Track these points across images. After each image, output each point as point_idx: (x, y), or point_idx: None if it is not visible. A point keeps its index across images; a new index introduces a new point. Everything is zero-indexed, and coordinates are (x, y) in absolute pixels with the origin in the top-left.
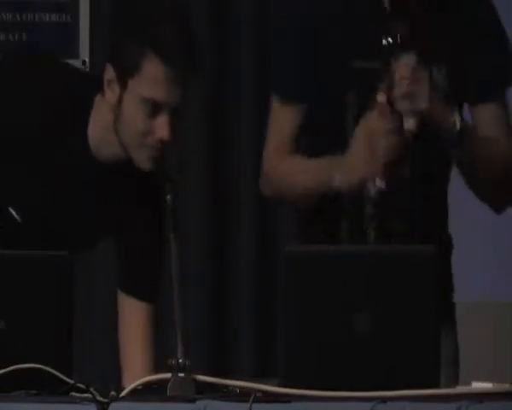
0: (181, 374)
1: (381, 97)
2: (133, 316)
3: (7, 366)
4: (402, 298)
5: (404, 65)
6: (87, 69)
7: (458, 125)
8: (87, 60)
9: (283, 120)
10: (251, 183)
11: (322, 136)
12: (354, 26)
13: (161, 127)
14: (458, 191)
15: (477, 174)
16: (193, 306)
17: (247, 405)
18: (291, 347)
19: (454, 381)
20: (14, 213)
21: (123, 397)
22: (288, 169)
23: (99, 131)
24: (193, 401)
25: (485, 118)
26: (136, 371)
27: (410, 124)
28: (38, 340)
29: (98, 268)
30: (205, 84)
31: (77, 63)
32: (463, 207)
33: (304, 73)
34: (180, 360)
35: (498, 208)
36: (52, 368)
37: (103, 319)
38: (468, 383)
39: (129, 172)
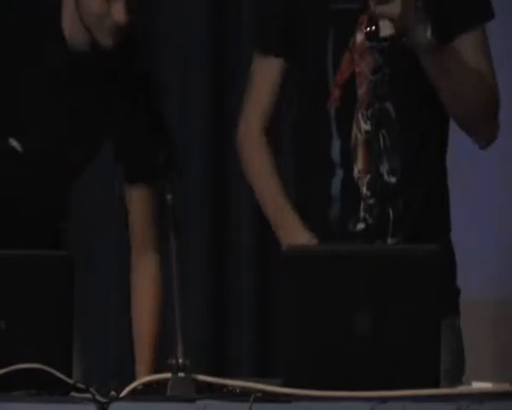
0: (181, 374)
1: (359, 37)
2: (139, 200)
3: (7, 366)
4: (402, 298)
5: None
6: None
7: (429, 33)
8: None
9: (263, 74)
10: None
11: (306, 86)
12: None
13: (117, 12)
14: (459, 191)
15: (453, 97)
16: (193, 306)
17: (247, 405)
18: (291, 347)
19: (459, 371)
20: (14, 142)
21: (123, 397)
22: (257, 176)
23: (69, 20)
24: (193, 401)
25: (466, 47)
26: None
27: (386, 29)
28: (38, 340)
29: (98, 268)
30: (205, 85)
31: None
32: (464, 205)
33: (283, 24)
34: (180, 360)
35: (480, 141)
36: (52, 368)
37: (103, 318)
38: (468, 383)
39: (108, 66)
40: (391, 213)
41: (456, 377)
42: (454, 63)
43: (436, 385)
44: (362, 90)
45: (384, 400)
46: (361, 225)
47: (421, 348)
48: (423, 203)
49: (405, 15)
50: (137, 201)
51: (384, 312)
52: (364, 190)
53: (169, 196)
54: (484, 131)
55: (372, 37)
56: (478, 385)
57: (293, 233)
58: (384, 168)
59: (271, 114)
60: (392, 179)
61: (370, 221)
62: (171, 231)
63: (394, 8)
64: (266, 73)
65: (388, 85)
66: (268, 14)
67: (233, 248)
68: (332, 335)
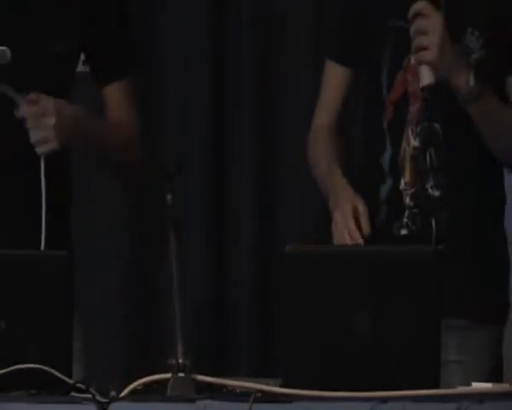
0: (181, 374)
1: (413, 59)
2: (115, 95)
3: (7, 366)
4: (402, 298)
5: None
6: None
7: (471, 83)
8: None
9: (333, 83)
10: (251, 183)
11: (364, 95)
12: None
13: None
14: None
15: (495, 141)
16: (193, 305)
17: (247, 405)
18: (291, 347)
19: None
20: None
21: (123, 397)
22: (316, 159)
23: None
24: (193, 401)
25: None
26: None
27: (426, 78)
28: (38, 340)
29: (98, 267)
30: (205, 84)
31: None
32: None
33: (352, 38)
34: (180, 360)
35: None
36: (52, 368)
37: (103, 318)
38: (468, 384)
39: None
40: (433, 224)
41: None
42: (495, 105)
43: (436, 385)
44: (413, 108)
45: (384, 400)
46: (404, 231)
47: (421, 348)
48: (469, 218)
49: (445, 62)
50: (113, 95)
51: (384, 312)
52: (408, 200)
53: (169, 196)
54: None
55: None
56: (478, 385)
57: (340, 192)
58: (429, 184)
59: (338, 121)
60: (436, 193)
61: (413, 228)
62: (171, 231)
63: (431, 55)
64: (335, 83)
65: (439, 108)
66: (341, 26)
67: (233, 249)
68: (332, 335)
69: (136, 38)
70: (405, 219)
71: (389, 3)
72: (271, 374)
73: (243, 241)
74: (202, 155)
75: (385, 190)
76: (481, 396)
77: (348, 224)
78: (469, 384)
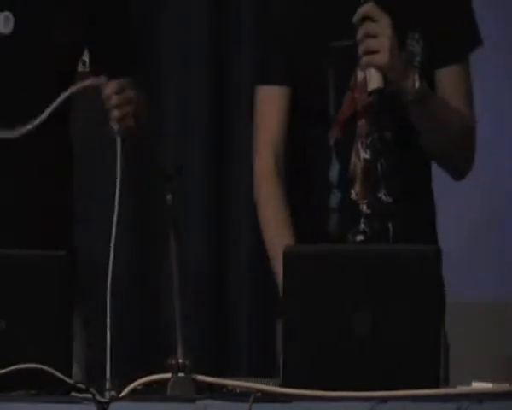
0: (181, 374)
1: (360, 75)
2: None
3: (7, 366)
4: (402, 298)
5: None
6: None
7: (417, 85)
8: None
9: (271, 102)
10: (251, 183)
11: (307, 119)
12: (330, 6)
13: None
14: (455, 190)
15: (436, 140)
16: (193, 305)
17: (247, 405)
18: (291, 347)
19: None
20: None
21: (123, 397)
22: (266, 224)
23: None
24: (193, 401)
25: (447, 82)
26: None
27: (374, 82)
28: (38, 340)
29: (98, 267)
30: (205, 84)
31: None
32: (458, 204)
33: (287, 59)
34: (180, 360)
35: (456, 175)
36: (52, 368)
37: (103, 318)
38: (468, 383)
39: None
40: (390, 227)
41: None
42: (438, 108)
43: (436, 385)
44: (361, 122)
45: (384, 400)
46: (360, 237)
47: (421, 348)
48: (420, 219)
49: (394, 65)
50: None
51: (384, 312)
52: (365, 208)
53: (169, 196)
54: (461, 167)
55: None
56: (478, 385)
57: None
58: (382, 193)
59: (283, 139)
60: (389, 199)
61: (370, 234)
62: (171, 231)
63: (383, 58)
64: (274, 101)
65: (388, 118)
66: (272, 48)
67: (233, 249)
68: (332, 335)
69: (136, 38)
70: (362, 226)
71: (330, 24)
72: (271, 374)
73: (243, 241)
74: (202, 155)
75: (335, 200)
76: (481, 396)
77: None
78: (469, 384)
